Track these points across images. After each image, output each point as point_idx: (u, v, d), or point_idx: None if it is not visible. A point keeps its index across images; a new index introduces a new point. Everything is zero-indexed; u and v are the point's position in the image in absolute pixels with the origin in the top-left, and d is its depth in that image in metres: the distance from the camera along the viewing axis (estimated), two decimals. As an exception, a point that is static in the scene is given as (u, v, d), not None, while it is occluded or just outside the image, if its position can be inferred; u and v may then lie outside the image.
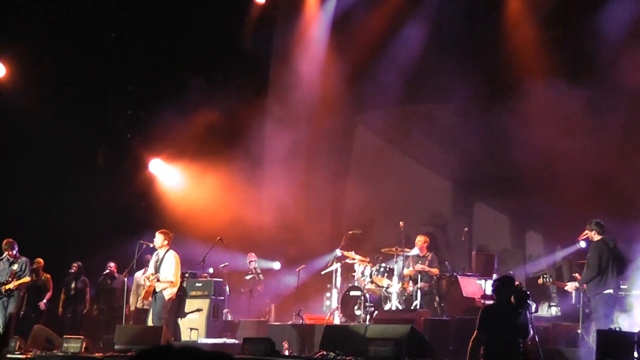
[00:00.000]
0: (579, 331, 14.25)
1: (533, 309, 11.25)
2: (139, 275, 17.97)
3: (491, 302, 11.13)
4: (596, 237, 13.81)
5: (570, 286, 14.31)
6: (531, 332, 10.53)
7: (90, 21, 20.02)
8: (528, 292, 10.54)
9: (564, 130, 17.79)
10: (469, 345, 10.05)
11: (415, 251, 17.03)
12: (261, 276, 19.60)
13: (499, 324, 10.13)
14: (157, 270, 15.51)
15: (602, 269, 13.58)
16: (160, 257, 15.61)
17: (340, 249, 17.67)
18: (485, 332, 10.09)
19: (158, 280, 15.37)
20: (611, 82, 17.58)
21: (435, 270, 16.58)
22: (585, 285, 13.72)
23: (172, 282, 15.35)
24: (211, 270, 18.99)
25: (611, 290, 13.59)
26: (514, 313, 10.20)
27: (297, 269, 18.64)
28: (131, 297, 18.13)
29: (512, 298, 10.24)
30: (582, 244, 16.11)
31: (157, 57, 20.47)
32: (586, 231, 14.14)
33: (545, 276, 14.40)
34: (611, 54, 17.72)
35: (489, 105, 19.45)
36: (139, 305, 17.72)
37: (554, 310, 17.82)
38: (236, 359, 1.95)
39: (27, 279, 16.50)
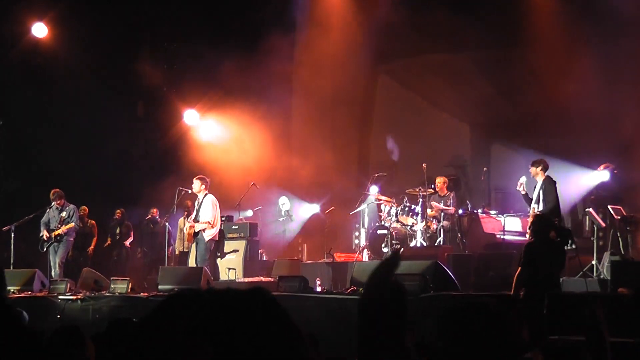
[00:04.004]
0: (594, 262, 14.18)
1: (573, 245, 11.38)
2: (181, 220, 18.03)
3: (532, 239, 11.07)
4: (543, 175, 13.85)
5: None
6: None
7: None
8: (569, 228, 10.57)
9: (576, 72, 17.51)
10: (514, 280, 10.06)
11: (437, 190, 17.00)
12: (293, 218, 19.54)
13: (542, 259, 10.17)
14: (197, 213, 15.72)
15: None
16: (200, 201, 15.81)
17: (368, 191, 17.66)
18: (529, 267, 10.09)
19: (197, 222, 15.61)
20: (621, 25, 17.28)
21: (451, 209, 16.51)
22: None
23: (209, 222, 15.51)
24: (250, 213, 19.01)
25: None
26: (553, 247, 10.29)
27: (327, 211, 18.61)
28: (177, 241, 18.22)
29: (553, 233, 10.27)
30: (606, 175, 15.92)
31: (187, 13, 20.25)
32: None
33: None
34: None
35: (502, 52, 19.24)
36: (182, 248, 17.83)
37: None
38: (269, 295, 1.87)
39: (72, 224, 16.48)
